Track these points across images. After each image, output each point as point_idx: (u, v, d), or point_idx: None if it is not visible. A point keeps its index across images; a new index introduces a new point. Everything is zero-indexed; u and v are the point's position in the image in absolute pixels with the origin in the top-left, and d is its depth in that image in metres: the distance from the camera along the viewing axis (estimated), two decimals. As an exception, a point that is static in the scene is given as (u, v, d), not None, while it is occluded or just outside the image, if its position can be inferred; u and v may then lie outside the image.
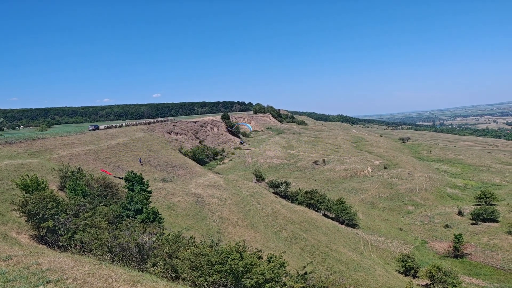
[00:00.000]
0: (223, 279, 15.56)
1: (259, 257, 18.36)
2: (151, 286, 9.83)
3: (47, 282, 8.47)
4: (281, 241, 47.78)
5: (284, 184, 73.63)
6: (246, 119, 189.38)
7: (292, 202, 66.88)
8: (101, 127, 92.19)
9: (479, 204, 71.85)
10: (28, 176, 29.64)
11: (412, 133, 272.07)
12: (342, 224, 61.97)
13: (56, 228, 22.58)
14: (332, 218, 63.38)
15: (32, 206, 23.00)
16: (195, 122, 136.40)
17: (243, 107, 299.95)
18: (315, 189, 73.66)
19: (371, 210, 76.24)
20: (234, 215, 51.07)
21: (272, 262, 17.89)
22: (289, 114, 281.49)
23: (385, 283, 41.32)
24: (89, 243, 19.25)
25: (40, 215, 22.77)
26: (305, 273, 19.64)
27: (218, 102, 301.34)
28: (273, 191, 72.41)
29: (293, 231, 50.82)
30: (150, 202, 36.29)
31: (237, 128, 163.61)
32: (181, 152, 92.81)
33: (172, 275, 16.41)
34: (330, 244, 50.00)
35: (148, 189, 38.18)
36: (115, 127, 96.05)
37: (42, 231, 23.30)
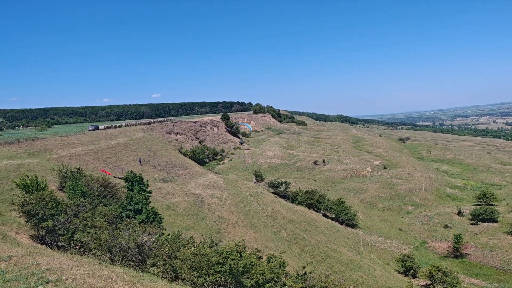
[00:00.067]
0: (222, 279, 15.56)
1: (259, 257, 18.36)
2: (151, 286, 9.82)
3: (47, 282, 8.46)
4: (281, 241, 47.77)
5: (284, 184, 73.64)
6: (245, 119, 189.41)
7: (292, 202, 66.89)
8: (101, 127, 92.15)
9: (478, 204, 71.88)
10: (27, 176, 29.61)
11: (411, 133, 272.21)
12: (341, 224, 61.98)
13: (56, 228, 22.56)
14: (331, 218, 63.40)
15: (31, 206, 22.98)
16: (194, 122, 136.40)
17: (243, 107, 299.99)
18: (315, 189, 73.66)
19: (370, 210, 76.26)
20: (234, 215, 51.07)
21: (272, 262, 17.89)
22: (289, 114, 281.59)
23: (384, 283, 41.33)
24: (88, 243, 19.23)
25: (40, 215, 22.74)
26: (305, 273, 19.64)
27: (218, 102, 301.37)
28: (272, 191, 72.43)
29: (292, 231, 50.81)
30: (150, 202, 36.27)
31: (237, 128, 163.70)
32: (180, 152, 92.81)
33: (172, 275, 16.40)
34: (330, 244, 50.00)
35: (148, 189, 38.15)
36: (115, 127, 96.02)
37: (42, 231, 23.27)
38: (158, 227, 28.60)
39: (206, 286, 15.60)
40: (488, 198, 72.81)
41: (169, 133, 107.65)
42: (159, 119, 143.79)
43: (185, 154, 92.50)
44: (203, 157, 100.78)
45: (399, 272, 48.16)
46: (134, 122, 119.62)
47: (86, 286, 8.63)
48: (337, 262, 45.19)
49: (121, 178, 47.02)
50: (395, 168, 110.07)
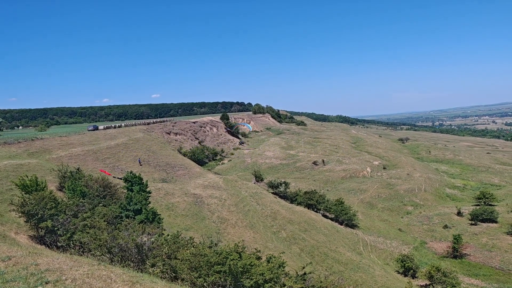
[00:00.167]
0: (222, 279, 15.56)
1: (258, 258, 18.36)
2: (150, 286, 9.82)
3: (46, 283, 8.46)
4: (280, 241, 47.77)
5: (284, 184, 73.63)
6: (245, 120, 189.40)
7: (292, 202, 66.89)
8: (100, 127, 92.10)
9: (478, 205, 71.92)
10: (27, 176, 29.62)
11: (411, 133, 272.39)
12: (341, 224, 61.98)
13: (55, 228, 22.56)
14: (331, 219, 63.41)
15: (31, 206, 22.97)
16: (194, 122, 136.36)
17: (242, 107, 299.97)
18: (314, 190, 73.68)
19: (370, 210, 76.29)
20: (234, 215, 51.07)
21: (271, 262, 17.90)
22: (288, 114, 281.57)
23: (384, 283, 41.35)
24: (88, 243, 19.22)
25: (39, 215, 22.73)
26: (304, 273, 19.66)
27: (217, 103, 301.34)
28: (272, 191, 72.43)
29: (292, 231, 50.80)
30: (149, 202, 36.25)
31: (237, 129, 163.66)
32: (180, 153, 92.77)
33: (171, 275, 16.40)
34: (330, 244, 50.00)
35: (147, 190, 38.14)
36: (114, 127, 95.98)
37: (41, 231, 23.25)
38: (158, 228, 28.59)
39: (206, 286, 15.59)
40: (487, 198, 72.85)
41: (169, 134, 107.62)
42: (158, 120, 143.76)
43: (184, 155, 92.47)
44: (203, 158, 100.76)
45: (398, 273, 48.18)
46: (133, 123, 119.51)
47: (86, 286, 8.63)
48: (337, 262, 45.20)
49: (121, 179, 47.01)
50: (394, 169, 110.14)
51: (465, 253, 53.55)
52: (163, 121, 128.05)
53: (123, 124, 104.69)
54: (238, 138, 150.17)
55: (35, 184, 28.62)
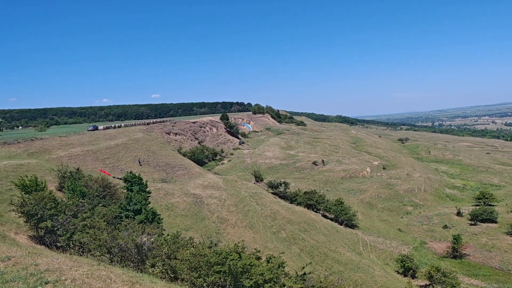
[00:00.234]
0: (222, 279, 15.56)
1: (258, 258, 18.36)
2: (150, 286, 9.82)
3: (46, 283, 8.46)
4: (280, 241, 47.77)
5: (283, 184, 73.63)
6: (245, 120, 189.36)
7: (291, 202, 66.89)
8: (100, 127, 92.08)
9: (478, 205, 71.93)
10: (26, 176, 29.63)
11: (411, 133, 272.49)
12: (341, 224, 61.99)
13: (55, 228, 22.55)
14: (331, 219, 63.41)
15: (30, 206, 22.97)
16: (194, 122, 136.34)
17: (242, 107, 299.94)
18: (314, 190, 73.68)
19: (370, 210, 76.31)
20: (233, 215, 51.07)
21: (271, 262, 17.89)
22: (288, 114, 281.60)
23: (384, 283, 41.35)
24: (87, 243, 19.22)
25: (39, 215, 22.74)
26: (304, 273, 19.66)
27: (217, 103, 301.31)
28: (272, 191, 72.43)
29: (292, 231, 50.80)
30: (149, 202, 36.26)
31: (236, 129, 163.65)
32: (180, 153, 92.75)
33: (171, 275, 16.40)
34: (329, 244, 50.00)
35: (147, 190, 38.16)
36: (114, 127, 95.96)
37: (41, 231, 23.25)
38: (157, 228, 28.58)
39: (205, 286, 15.60)
40: (487, 198, 72.87)
41: (168, 134, 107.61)
42: (158, 120, 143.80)
43: (184, 155, 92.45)
44: (203, 158, 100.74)
45: (398, 273, 48.19)
46: (133, 123, 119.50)
47: (85, 286, 8.63)
48: (337, 262, 45.19)
49: (120, 179, 47.02)
50: (394, 169, 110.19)
51: (464, 253, 53.57)
52: (163, 121, 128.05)
53: (122, 124, 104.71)
54: (238, 138, 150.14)
55: (35, 184, 28.62)
